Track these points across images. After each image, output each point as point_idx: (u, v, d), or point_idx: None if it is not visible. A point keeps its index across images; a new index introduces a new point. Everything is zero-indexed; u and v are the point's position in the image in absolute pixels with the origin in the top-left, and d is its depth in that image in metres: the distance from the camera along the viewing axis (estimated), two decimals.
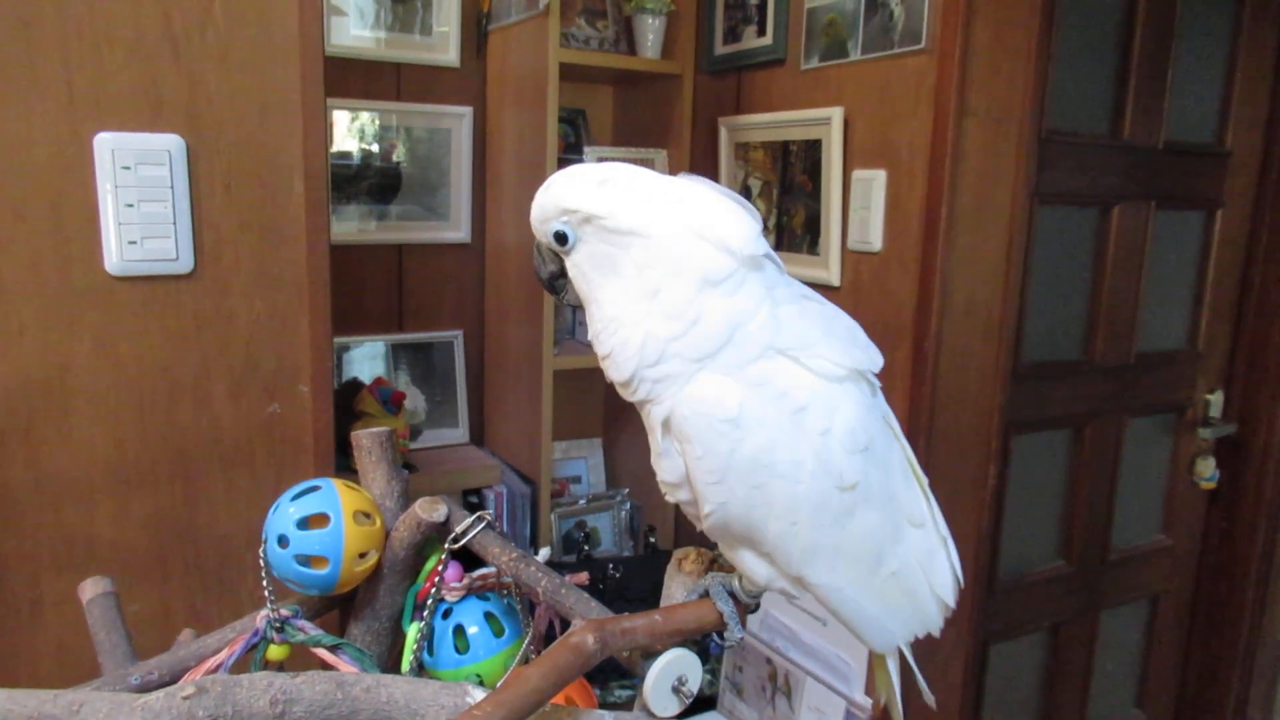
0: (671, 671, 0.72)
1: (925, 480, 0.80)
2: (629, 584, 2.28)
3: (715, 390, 0.67)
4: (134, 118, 1.17)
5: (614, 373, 0.71)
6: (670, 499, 0.74)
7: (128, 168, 1.16)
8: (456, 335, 2.53)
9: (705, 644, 2.35)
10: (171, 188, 1.18)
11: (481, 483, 2.37)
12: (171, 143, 1.18)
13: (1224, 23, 2.22)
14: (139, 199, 1.17)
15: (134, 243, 1.17)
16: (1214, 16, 2.19)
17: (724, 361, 0.68)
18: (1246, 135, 2.30)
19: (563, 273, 0.74)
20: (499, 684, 0.67)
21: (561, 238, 0.71)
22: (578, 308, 0.77)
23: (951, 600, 0.79)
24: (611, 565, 2.31)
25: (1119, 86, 2.06)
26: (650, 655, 0.74)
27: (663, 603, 0.78)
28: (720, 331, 0.67)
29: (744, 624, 0.76)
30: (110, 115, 1.16)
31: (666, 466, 0.72)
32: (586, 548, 2.47)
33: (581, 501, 2.59)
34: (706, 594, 0.77)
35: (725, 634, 0.75)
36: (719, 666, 2.32)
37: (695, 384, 0.68)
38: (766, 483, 0.68)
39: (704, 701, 2.29)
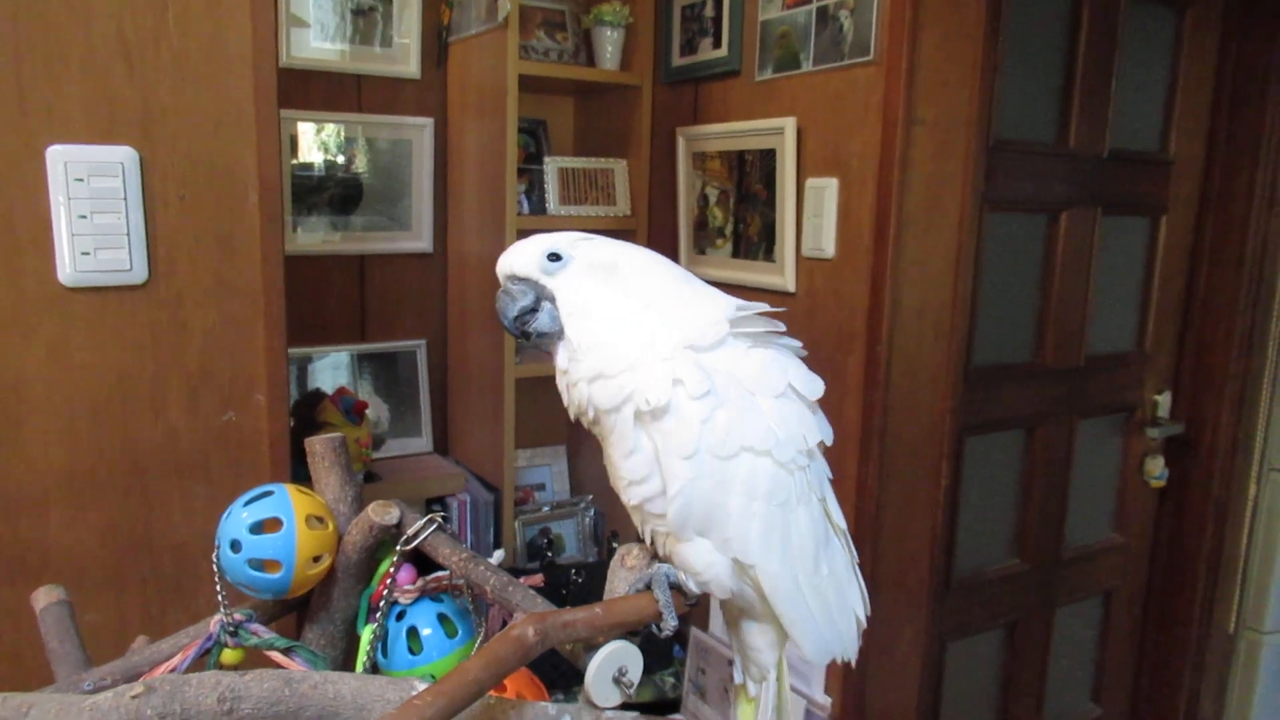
0: (612, 663, 0.75)
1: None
2: (592, 589, 2.30)
3: (691, 370, 0.74)
4: (87, 130, 1.17)
5: (614, 363, 0.75)
6: (633, 500, 0.78)
7: (80, 179, 1.17)
8: (419, 345, 2.54)
9: (669, 648, 2.37)
10: (125, 199, 1.19)
11: (445, 491, 2.38)
12: (124, 155, 1.19)
13: (1165, 34, 2.29)
14: (92, 210, 1.17)
15: (87, 254, 1.18)
16: (1156, 28, 2.26)
17: (696, 345, 0.76)
18: (1188, 143, 2.37)
19: (534, 308, 0.79)
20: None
21: (555, 256, 0.77)
22: (541, 345, 0.81)
23: (864, 617, 0.85)
24: (574, 571, 2.32)
25: (1064, 96, 2.12)
26: (594, 648, 0.76)
27: (606, 597, 0.80)
28: (700, 322, 0.77)
29: (685, 614, 0.79)
30: (63, 127, 1.16)
31: (633, 464, 0.76)
32: (550, 554, 2.49)
33: (545, 508, 2.61)
34: (649, 587, 0.79)
35: (660, 624, 0.78)
36: (683, 670, 2.34)
37: (673, 366, 0.74)
38: (734, 454, 0.74)
39: (668, 705, 2.31)
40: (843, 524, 0.84)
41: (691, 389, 0.73)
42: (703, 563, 0.78)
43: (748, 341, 0.78)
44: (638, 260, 0.79)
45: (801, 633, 0.80)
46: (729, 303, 0.79)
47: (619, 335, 0.76)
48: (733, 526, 0.75)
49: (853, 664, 0.87)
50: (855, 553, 0.88)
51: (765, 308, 0.80)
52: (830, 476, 0.85)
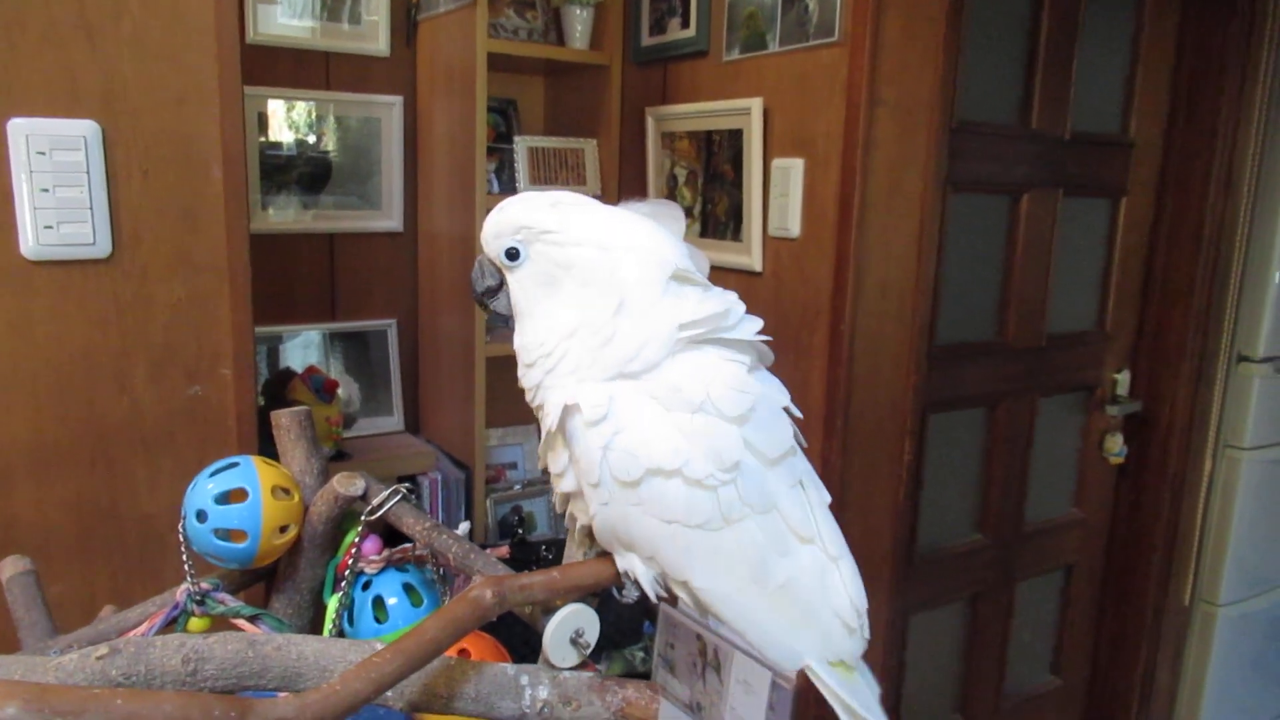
0: (569, 625, 0.77)
1: (828, 498, 0.82)
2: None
3: (590, 393, 0.72)
4: (48, 104, 1.17)
5: (528, 379, 0.78)
6: (560, 489, 0.79)
7: (43, 153, 1.17)
8: (390, 324, 2.54)
9: (638, 624, 2.40)
10: (88, 173, 1.19)
11: (416, 469, 2.39)
12: (87, 128, 1.19)
13: (1126, 17, 2.32)
14: (54, 184, 1.17)
15: (50, 227, 1.18)
16: (1117, 11, 2.29)
17: (625, 373, 0.73)
18: (1149, 126, 2.41)
19: (499, 287, 0.80)
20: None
21: (513, 254, 0.77)
22: (506, 318, 0.82)
23: (854, 622, 0.79)
24: (544, 547, 2.35)
25: (1027, 78, 2.15)
26: (552, 611, 0.79)
27: (564, 562, 0.83)
28: (630, 349, 0.73)
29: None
30: (24, 101, 1.16)
31: (552, 460, 0.78)
32: (521, 532, 2.51)
33: (517, 487, 2.63)
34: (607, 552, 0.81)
35: (623, 590, 0.79)
36: (652, 645, 2.37)
37: (575, 389, 0.73)
38: (640, 479, 0.72)
39: (637, 678, 2.34)
40: (806, 532, 0.78)
41: (587, 414, 0.71)
42: (648, 581, 0.77)
43: (680, 345, 0.74)
44: (592, 265, 0.74)
45: (763, 645, 0.74)
46: (680, 313, 0.74)
47: (545, 348, 0.75)
48: (651, 546, 0.74)
49: (851, 663, 0.79)
50: (841, 546, 0.81)
51: (717, 310, 0.75)
52: (792, 483, 0.79)
